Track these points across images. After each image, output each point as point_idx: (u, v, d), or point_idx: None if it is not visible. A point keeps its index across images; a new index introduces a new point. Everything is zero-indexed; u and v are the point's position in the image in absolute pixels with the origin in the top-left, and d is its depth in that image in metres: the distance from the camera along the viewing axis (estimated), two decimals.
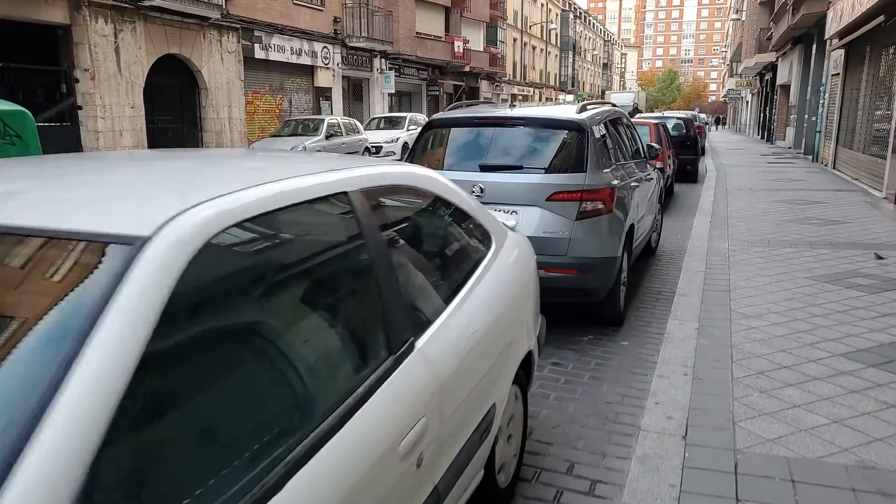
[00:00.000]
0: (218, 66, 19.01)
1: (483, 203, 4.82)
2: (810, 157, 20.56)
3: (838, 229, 8.50)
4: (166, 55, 17.37)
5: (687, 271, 6.54)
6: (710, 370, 4.01)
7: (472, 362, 2.12)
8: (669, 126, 14.21)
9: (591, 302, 4.98)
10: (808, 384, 3.77)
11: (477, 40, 35.84)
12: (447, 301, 2.18)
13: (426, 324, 2.00)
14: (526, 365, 2.96)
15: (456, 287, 2.28)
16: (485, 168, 4.87)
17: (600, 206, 4.75)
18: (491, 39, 38.78)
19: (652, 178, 6.78)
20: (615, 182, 5.00)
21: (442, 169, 5.04)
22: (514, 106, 5.52)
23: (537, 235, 4.70)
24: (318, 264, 1.68)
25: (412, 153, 5.28)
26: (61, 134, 15.18)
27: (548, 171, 4.78)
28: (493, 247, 2.78)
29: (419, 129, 5.38)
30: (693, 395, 3.69)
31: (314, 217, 1.74)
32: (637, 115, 15.82)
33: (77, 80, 15.34)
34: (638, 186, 5.78)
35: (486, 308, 2.36)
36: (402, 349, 1.82)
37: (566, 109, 5.28)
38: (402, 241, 2.08)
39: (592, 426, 3.59)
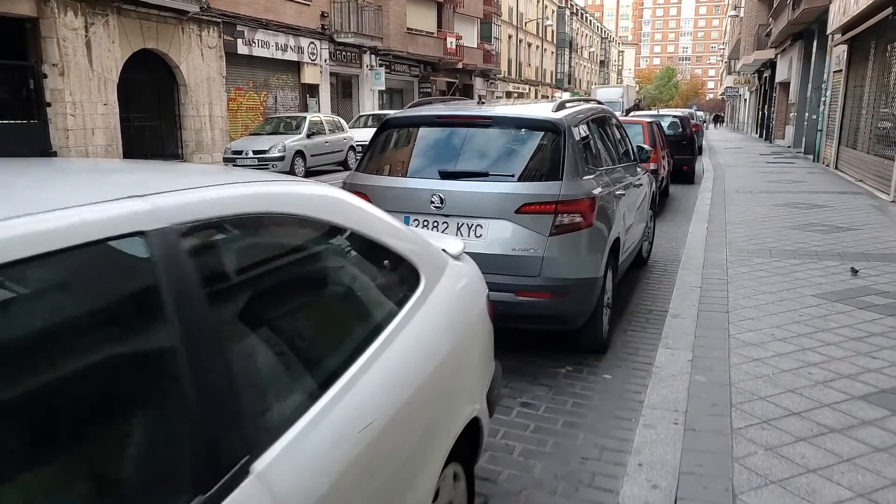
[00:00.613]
0: (198, 61, 18.32)
1: (444, 216, 4.18)
2: (811, 156, 19.93)
3: (845, 237, 7.86)
4: (142, 50, 16.69)
5: (681, 287, 5.90)
6: (706, 418, 3.37)
7: (360, 474, 1.47)
8: (665, 125, 13.57)
9: (568, 329, 4.34)
10: (823, 438, 3.12)
11: (471, 37, 35.14)
12: (324, 385, 1.52)
13: (276, 430, 1.34)
14: (470, 434, 2.31)
15: (344, 361, 1.62)
16: (445, 175, 4.21)
17: (578, 219, 4.10)
18: (485, 36, 38.09)
19: (642, 184, 6.13)
20: (597, 191, 4.35)
21: (396, 175, 4.39)
22: (484, 103, 4.86)
23: (505, 253, 4.06)
24: (63, 355, 1.03)
25: (363, 158, 4.62)
26: (28, 132, 14.51)
27: (518, 178, 4.13)
28: (421, 287, 2.13)
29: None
30: (685, 453, 3.05)
31: (66, 276, 1.08)
32: (630, 114, 15.20)
33: (45, 76, 14.66)
34: (625, 194, 5.14)
35: (393, 384, 1.70)
36: (223, 481, 1.17)
37: (541, 108, 4.63)
38: (249, 302, 1.42)
39: (562, 494, 2.94)
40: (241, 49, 19.85)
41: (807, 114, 21.85)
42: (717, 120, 67.14)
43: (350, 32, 24.00)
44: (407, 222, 4.30)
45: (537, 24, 50.16)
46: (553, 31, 55.11)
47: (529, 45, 49.50)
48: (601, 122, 5.41)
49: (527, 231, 4.05)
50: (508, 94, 43.43)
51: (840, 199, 11.21)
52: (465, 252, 2.78)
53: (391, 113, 4.49)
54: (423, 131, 4.59)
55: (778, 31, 23.92)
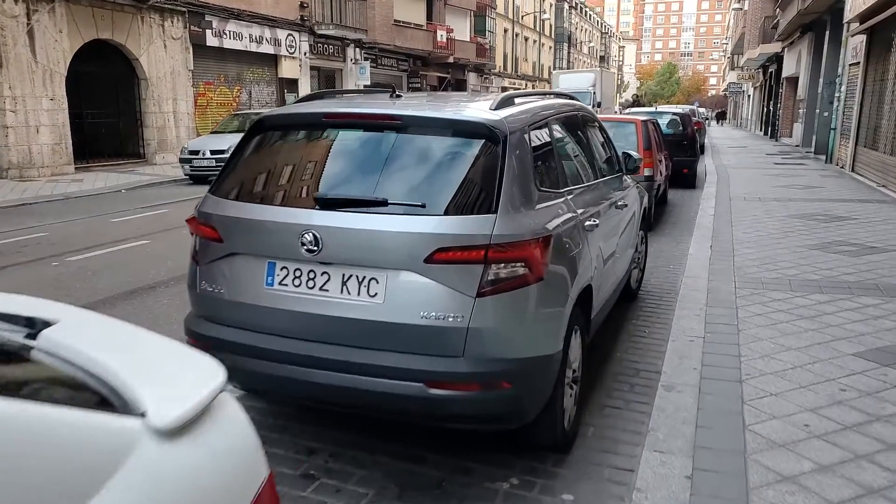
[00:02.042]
0: (160, 53, 16.95)
1: (322, 264, 2.83)
2: (823, 157, 18.48)
3: (880, 262, 6.48)
4: (96, 41, 15.32)
5: (677, 336, 4.53)
6: None
7: None
8: (663, 123, 12.18)
9: (511, 428, 2.99)
10: None
11: (463, 30, 33.69)
12: None
13: None
14: None
15: None
16: (325, 203, 2.85)
17: (522, 270, 2.74)
18: (479, 29, 36.65)
19: (628, 204, 4.75)
20: (554, 225, 3.00)
21: (259, 201, 3.02)
22: (399, 97, 3.50)
23: (411, 322, 2.71)
24: None
25: (222, 174, 3.26)
26: None
27: (432, 209, 2.76)
28: None
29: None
30: None
31: None
32: (625, 111, 13.80)
33: None
34: (603, 221, 3.77)
35: None
36: None
37: (476, 105, 3.27)
38: None
39: None
40: (211, 41, 18.47)
41: (818, 111, 20.39)
42: (721, 117, 65.58)
43: (332, 24, 22.61)
44: (271, 274, 2.94)
45: (534, 17, 48.63)
46: (551, 26, 53.57)
47: (526, 39, 48.01)
48: (571, 123, 4.04)
49: (443, 289, 2.69)
50: (504, 90, 42.05)
51: (864, 208, 9.81)
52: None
53: (265, 111, 3.09)
54: (304, 137, 3.23)
55: (786, 22, 22.46)
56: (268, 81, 21.35)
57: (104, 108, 16.34)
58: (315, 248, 2.78)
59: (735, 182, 13.14)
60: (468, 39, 34.10)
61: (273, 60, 21.30)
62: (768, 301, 5.25)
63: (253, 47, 20.06)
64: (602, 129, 4.83)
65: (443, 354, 2.72)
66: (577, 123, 4.18)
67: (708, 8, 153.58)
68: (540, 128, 3.36)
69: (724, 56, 71.07)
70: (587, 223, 3.47)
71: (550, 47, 54.02)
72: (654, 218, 8.85)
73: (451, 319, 2.68)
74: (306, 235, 2.79)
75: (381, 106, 3.21)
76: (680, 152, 12.33)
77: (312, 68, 22.95)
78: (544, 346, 2.88)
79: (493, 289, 2.70)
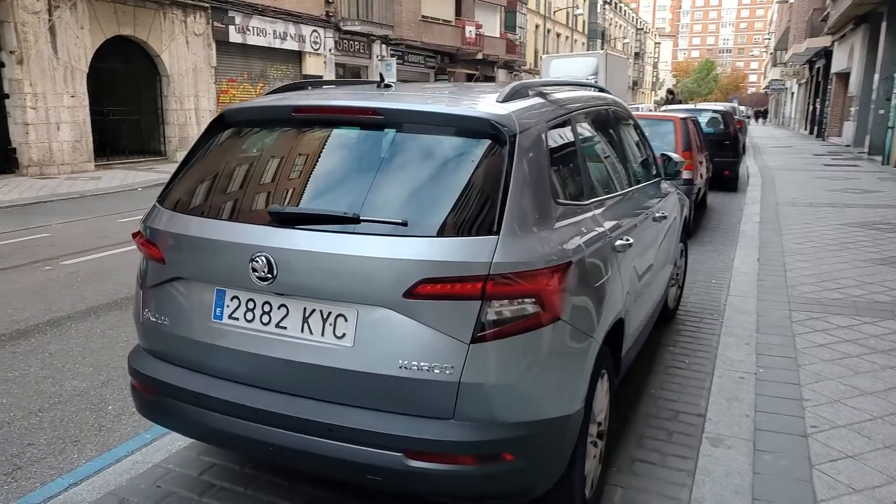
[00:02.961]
0: (182, 50, 16.65)
1: (277, 295, 2.26)
2: (879, 158, 17.30)
3: None
4: (118, 37, 15.06)
5: (723, 372, 3.86)
6: None
7: None
8: (703, 121, 11.34)
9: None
10: None
11: (493, 26, 32.96)
12: None
13: None
14: None
15: None
16: (281, 218, 2.26)
17: (532, 307, 2.13)
18: (509, 25, 35.87)
19: (667, 215, 4.08)
20: (574, 247, 2.37)
21: (208, 215, 2.45)
22: (389, 86, 2.90)
23: (387, 373, 2.13)
24: None
25: (172, 179, 2.69)
26: None
27: (416, 228, 2.15)
28: None
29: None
30: None
31: None
32: (661, 109, 12.99)
33: (2, 65, 13.11)
34: (638, 238, 3.11)
35: None
36: None
37: (482, 98, 2.65)
38: None
39: None
40: (234, 37, 18.13)
41: (872, 108, 19.15)
42: (762, 115, 63.54)
43: (358, 20, 22.13)
44: (220, 304, 2.37)
45: (567, 13, 47.60)
46: (584, 22, 52.43)
47: (558, 35, 47.01)
48: (600, 120, 3.39)
49: (428, 331, 2.09)
50: None
51: None
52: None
53: (232, 106, 2.51)
54: (268, 135, 2.65)
55: (838, 14, 21.23)
56: (292, 78, 20.95)
57: (125, 104, 16.10)
58: (269, 275, 2.20)
59: (781, 185, 12.24)
60: (498, 35, 33.35)
61: (297, 57, 20.90)
62: (831, 328, 4.52)
63: (277, 44, 19.69)
64: (637, 127, 4.16)
65: (427, 415, 2.12)
66: (608, 120, 3.53)
67: (749, 2, 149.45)
68: (561, 125, 2.73)
69: (766, 52, 68.94)
70: (619, 242, 2.83)
71: (583, 44, 52.88)
72: (692, 224, 8.12)
73: (437, 371, 2.08)
74: (258, 259, 2.21)
75: (361, 98, 2.62)
76: (721, 153, 11.47)
77: (337, 65, 22.51)
78: (560, 405, 2.26)
79: (494, 332, 2.08)
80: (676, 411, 3.61)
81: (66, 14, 13.84)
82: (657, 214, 3.77)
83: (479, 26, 29.83)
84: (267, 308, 2.28)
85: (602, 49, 26.86)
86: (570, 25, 48.89)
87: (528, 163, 2.30)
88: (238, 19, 18.11)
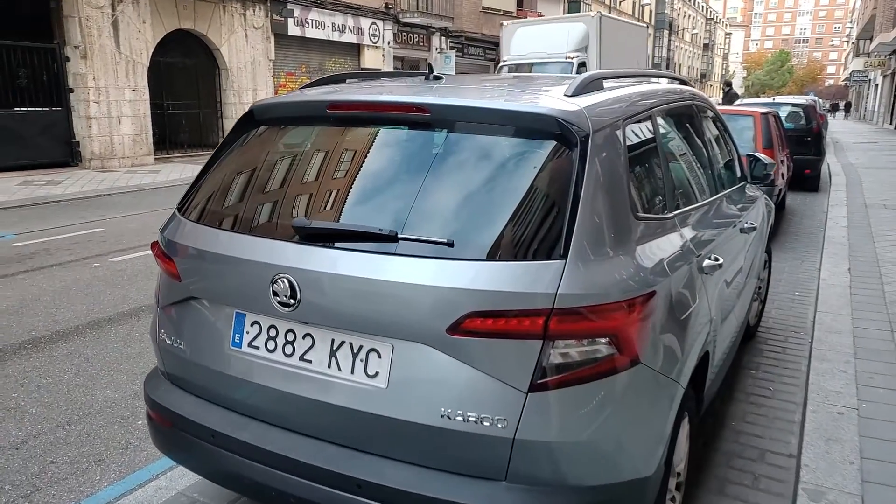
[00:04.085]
0: (241, 43, 16.72)
1: (301, 323, 1.92)
2: None
3: None
4: (178, 31, 15.20)
5: (819, 406, 3.35)
6: None
7: None
8: (782, 116, 10.52)
9: None
10: None
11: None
12: None
13: None
14: None
15: None
16: (306, 235, 1.93)
17: (606, 349, 1.75)
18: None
19: (756, 225, 3.57)
20: (658, 274, 1.96)
21: (227, 227, 2.14)
22: (439, 79, 2.53)
23: (427, 423, 1.77)
24: None
25: (193, 186, 2.40)
26: (50, 120, 13.30)
27: (463, 250, 1.78)
28: None
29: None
30: None
31: None
32: (736, 103, 12.13)
33: (67, 59, 13.38)
34: (722, 263, 2.64)
35: None
36: None
37: (546, 91, 2.27)
38: None
39: None
40: (293, 30, 18.11)
41: None
42: (845, 108, 60.27)
43: (417, 12, 21.83)
44: (239, 330, 2.06)
45: (633, 3, 46.14)
46: (651, 12, 50.75)
47: None
48: (682, 116, 2.94)
49: (477, 375, 1.73)
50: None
51: None
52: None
53: (262, 101, 2.19)
54: (300, 136, 2.32)
55: None
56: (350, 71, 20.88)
57: (185, 98, 16.27)
58: (290, 300, 1.87)
59: (869, 185, 11.29)
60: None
61: (356, 50, 20.77)
62: None
63: (335, 36, 19.60)
64: (721, 124, 3.67)
65: (474, 475, 1.76)
66: (692, 117, 3.07)
67: None
68: (640, 124, 2.31)
69: (847, 42, 65.35)
70: (706, 263, 2.39)
71: (650, 35, 51.26)
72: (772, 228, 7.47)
73: (487, 424, 1.71)
74: (279, 281, 1.88)
75: (406, 92, 2.26)
76: (802, 150, 10.63)
77: (396, 58, 22.29)
78: (636, 466, 1.86)
79: (558, 379, 1.71)
80: (763, 450, 3.14)
81: (128, 9, 14.02)
82: (745, 225, 3.28)
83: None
84: (290, 337, 1.96)
85: (593, 12, 17.70)
86: (635, 16, 47.43)
87: (603, 169, 1.90)
88: (297, 12, 18.08)
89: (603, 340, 1.75)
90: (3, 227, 8.12)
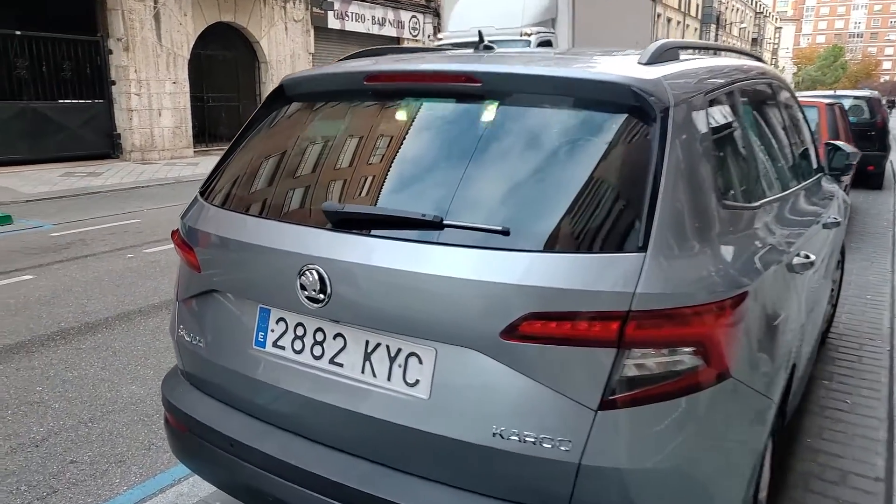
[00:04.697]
0: (281, 36, 16.68)
1: (331, 322, 1.67)
2: None
3: None
4: (217, 23, 15.22)
5: None
6: None
7: None
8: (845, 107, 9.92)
9: None
10: None
11: None
12: None
13: None
14: None
15: None
16: (338, 221, 1.68)
17: (691, 359, 1.46)
18: None
19: (839, 220, 3.21)
20: (749, 271, 1.66)
21: (252, 213, 1.91)
22: (490, 48, 2.26)
23: (475, 441, 1.49)
24: None
25: (218, 166, 2.18)
26: (93, 113, 13.44)
27: (521, 239, 1.51)
28: None
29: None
30: None
31: None
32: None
33: (110, 52, 13.49)
34: (813, 260, 2.31)
35: None
36: None
37: (614, 59, 1.98)
38: None
39: None
40: (332, 23, 18.02)
41: None
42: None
43: None
44: (263, 327, 1.83)
45: None
46: (698, 6, 49.49)
47: (669, 20, 44.56)
48: (764, 97, 2.62)
49: (536, 388, 1.46)
50: None
51: None
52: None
53: (293, 74, 1.95)
54: (334, 112, 2.08)
55: None
56: None
57: (224, 91, 16.29)
58: (320, 294, 1.63)
59: None
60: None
61: (396, 43, 20.58)
62: None
63: (375, 30, 19.45)
64: (799, 108, 3.31)
65: (537, 498, 1.49)
66: (771, 97, 2.73)
67: None
68: (721, 100, 2.00)
69: None
70: (797, 260, 2.07)
71: (696, 29, 49.98)
72: None
73: (548, 446, 1.44)
74: (307, 273, 1.64)
75: (453, 61, 2.00)
76: (865, 144, 10.02)
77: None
78: (721, 497, 1.57)
79: (634, 395, 1.43)
80: (844, 471, 2.80)
81: (170, 1, 14.06)
82: (829, 220, 2.93)
83: None
84: (319, 337, 1.71)
85: None
86: (682, 10, 46.29)
87: (686, 147, 1.60)
88: (337, 5, 17.98)
89: (687, 350, 1.46)
90: (42, 216, 8.14)
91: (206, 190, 2.10)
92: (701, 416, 1.48)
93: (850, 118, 10.09)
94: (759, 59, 3.05)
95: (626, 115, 1.62)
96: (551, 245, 1.48)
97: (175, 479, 2.73)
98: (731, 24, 60.31)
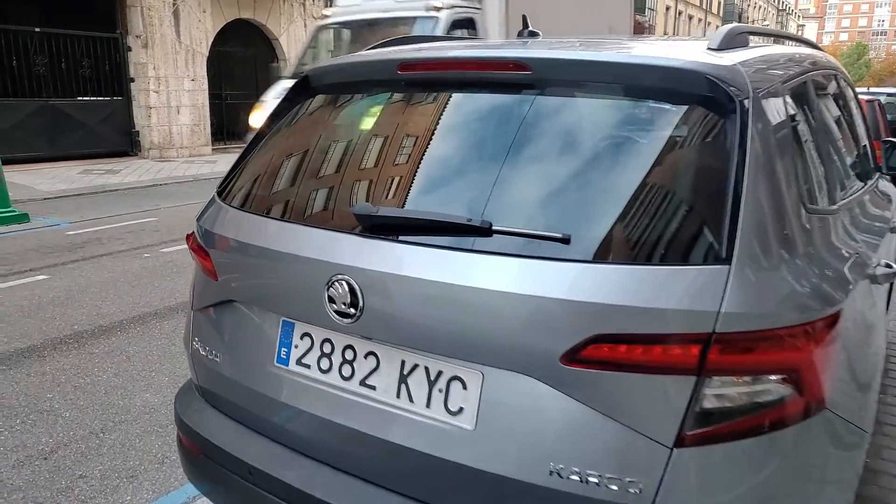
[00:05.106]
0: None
1: (363, 339, 1.48)
2: None
3: None
4: (236, 20, 15.11)
5: None
6: None
7: None
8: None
9: None
10: None
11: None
12: None
13: None
14: None
15: None
16: (372, 226, 1.49)
17: (782, 388, 1.26)
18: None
19: None
20: (840, 286, 1.45)
21: (276, 216, 1.73)
22: (535, 35, 2.06)
23: (529, 481, 1.30)
24: None
25: (237, 164, 2.00)
26: (112, 110, 13.38)
27: (584, 248, 1.31)
28: None
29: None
30: None
31: None
32: None
33: (129, 49, 13.43)
34: (894, 270, 2.09)
35: None
36: None
37: (680, 45, 1.78)
38: None
39: None
40: None
41: None
42: None
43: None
44: (286, 343, 1.66)
45: None
46: (720, 3, 48.83)
47: (690, 17, 44.02)
48: (833, 91, 2.40)
49: (601, 421, 1.26)
50: None
51: None
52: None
53: (320, 63, 1.76)
54: (364, 105, 1.89)
55: None
56: None
57: (242, 88, 16.18)
58: (350, 308, 1.44)
59: None
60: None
61: None
62: None
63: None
64: (858, 102, 3.07)
65: None
66: (837, 89, 2.51)
67: None
68: (799, 92, 1.79)
69: None
70: (880, 270, 1.85)
71: (717, 26, 49.33)
72: None
73: (615, 487, 1.25)
74: (336, 285, 1.46)
75: (497, 48, 1.80)
76: None
77: None
78: None
79: (716, 430, 1.24)
80: None
81: None
82: (892, 223, 2.70)
83: None
84: (349, 355, 1.53)
85: None
86: (703, 7, 45.71)
87: (768, 143, 1.40)
88: None
89: (775, 378, 1.25)
90: (59, 214, 8.05)
91: (224, 190, 1.93)
92: (793, 454, 1.28)
93: (888, 117, 9.74)
94: (817, 47, 2.82)
95: (699, 107, 1.42)
96: (619, 256, 1.29)
97: (190, 497, 2.57)
98: (753, 21, 59.46)
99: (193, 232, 1.95)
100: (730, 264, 1.23)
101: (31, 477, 2.71)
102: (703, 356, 1.21)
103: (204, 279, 1.86)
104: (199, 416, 1.87)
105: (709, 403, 1.23)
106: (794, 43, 2.49)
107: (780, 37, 2.37)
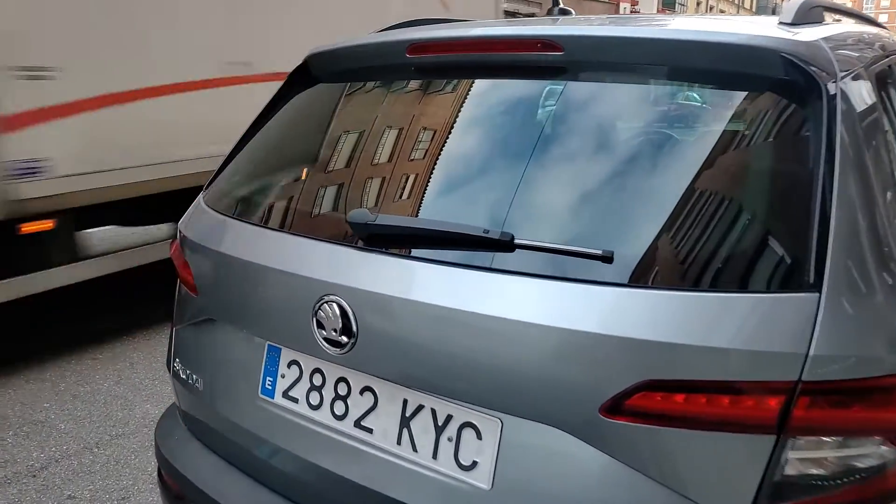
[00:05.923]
0: None
1: (355, 371, 1.23)
2: None
3: None
4: None
5: None
6: None
7: None
8: None
9: None
10: None
11: (649, 2, 30.53)
12: None
13: None
14: None
15: None
16: (370, 236, 1.24)
17: (880, 453, 0.96)
18: (668, 2, 33.20)
19: None
20: None
21: (256, 221, 1.49)
22: (567, 12, 1.80)
23: None
24: None
25: (225, 162, 1.76)
26: None
27: (628, 268, 1.04)
28: None
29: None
30: None
31: None
32: None
33: None
34: None
35: None
36: None
37: (749, 21, 1.51)
38: None
39: None
40: None
41: None
42: None
43: None
44: (271, 371, 1.41)
45: None
46: None
47: (722, 13, 43.14)
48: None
49: (655, 489, 0.99)
50: None
51: None
52: None
53: (320, 47, 1.51)
54: (369, 93, 1.65)
55: None
56: None
57: None
58: (342, 336, 1.20)
59: None
60: (654, 12, 30.90)
61: None
62: None
63: None
64: None
65: None
66: None
67: None
68: (884, 76, 1.50)
69: None
70: None
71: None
72: None
73: None
74: (325, 307, 1.21)
75: (524, 27, 1.54)
76: None
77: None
78: None
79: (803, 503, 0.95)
80: None
81: None
82: None
83: (634, 2, 27.72)
84: (342, 390, 1.28)
85: None
86: (736, 3, 44.78)
87: (859, 137, 1.12)
88: None
89: (874, 441, 0.98)
90: None
91: (209, 192, 1.70)
92: None
93: None
94: (876, 22, 2.51)
95: (772, 93, 1.15)
96: (675, 279, 1.02)
97: None
98: None
99: (176, 238, 1.73)
100: (820, 292, 0.95)
101: (17, 496, 2.52)
102: (787, 411, 0.94)
103: (185, 293, 1.63)
104: (181, 450, 1.64)
105: (792, 470, 0.95)
106: (863, 23, 2.18)
107: (853, 15, 2.06)
